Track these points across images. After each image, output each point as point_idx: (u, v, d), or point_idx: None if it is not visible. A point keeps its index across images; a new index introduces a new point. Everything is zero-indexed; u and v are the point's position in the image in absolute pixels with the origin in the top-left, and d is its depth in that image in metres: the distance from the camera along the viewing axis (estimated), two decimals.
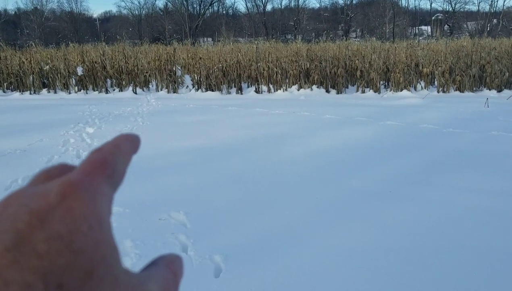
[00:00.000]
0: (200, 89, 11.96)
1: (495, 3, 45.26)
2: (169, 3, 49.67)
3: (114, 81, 12.51)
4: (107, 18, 58.91)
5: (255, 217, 3.20)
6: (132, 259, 2.58)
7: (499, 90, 10.76)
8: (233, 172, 4.30)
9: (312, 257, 2.58)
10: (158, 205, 3.41)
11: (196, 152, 5.17)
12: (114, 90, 12.36)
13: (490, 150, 4.99)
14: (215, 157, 4.92)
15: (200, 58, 12.24)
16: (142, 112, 8.48)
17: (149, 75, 12.50)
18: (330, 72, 11.54)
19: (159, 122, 7.23)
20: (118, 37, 16.44)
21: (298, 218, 3.17)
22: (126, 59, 12.56)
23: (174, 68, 12.18)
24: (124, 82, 12.39)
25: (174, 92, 12.05)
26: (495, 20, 44.18)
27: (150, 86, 12.62)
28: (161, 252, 2.24)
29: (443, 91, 11.00)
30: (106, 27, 49.16)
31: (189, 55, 12.88)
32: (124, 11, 52.31)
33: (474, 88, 10.95)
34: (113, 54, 12.96)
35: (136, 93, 12.01)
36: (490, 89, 10.83)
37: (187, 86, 12.21)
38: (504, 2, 46.11)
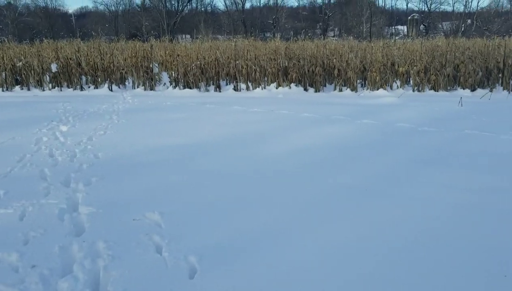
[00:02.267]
0: (177, 87, 11.84)
1: (469, 4, 46.48)
2: (146, 0, 49.07)
3: (89, 78, 12.28)
4: (83, 14, 57.77)
5: (232, 216, 3.17)
6: (105, 260, 2.52)
7: (473, 90, 10.99)
8: (210, 171, 4.26)
9: (290, 257, 2.57)
10: (132, 205, 3.35)
11: (172, 150, 5.11)
12: (89, 87, 12.12)
13: (465, 148, 5.08)
14: (192, 155, 4.87)
15: (178, 55, 12.13)
16: (118, 109, 8.34)
17: (126, 72, 12.30)
18: (308, 70, 11.57)
19: (135, 120, 7.13)
20: (93, 33, 16.16)
21: (277, 217, 3.16)
22: (102, 56, 12.34)
23: (151, 65, 12.03)
24: (99, 79, 12.17)
25: (151, 89, 11.90)
26: (469, 21, 45.13)
27: (127, 83, 12.42)
28: (135, 253, 2.20)
29: (418, 90, 11.17)
30: (82, 23, 48.17)
31: (167, 52, 12.73)
32: (101, 7, 51.41)
33: (449, 88, 11.15)
34: (88, 51, 12.71)
35: (112, 90, 11.82)
36: (464, 89, 11.04)
37: (165, 83, 12.07)
38: (478, 3, 47.22)
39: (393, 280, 2.32)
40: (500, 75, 11.25)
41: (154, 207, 3.29)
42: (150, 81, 11.96)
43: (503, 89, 11.02)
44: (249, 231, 2.92)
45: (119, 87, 12.11)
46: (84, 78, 12.27)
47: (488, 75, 11.26)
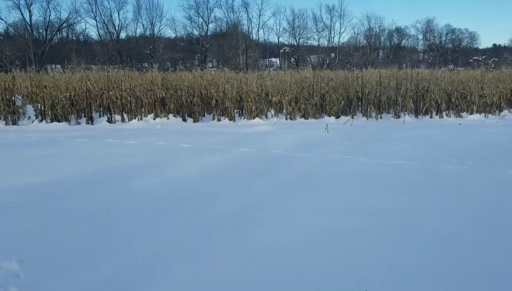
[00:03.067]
0: (44, 120, 10.98)
1: (332, 39, 51.08)
2: (10, 28, 45.24)
3: None
4: None
5: (98, 257, 2.98)
6: None
7: (337, 117, 12.01)
8: (76, 210, 3.98)
9: None
10: None
11: (34, 190, 4.67)
12: None
13: (330, 171, 5.49)
14: (57, 194, 4.51)
15: (45, 86, 11.31)
16: None
17: None
18: (186, 101, 11.62)
19: None
20: None
21: (148, 254, 3.04)
22: None
23: (13, 98, 11.02)
24: None
25: (13, 124, 10.87)
26: (332, 54, 49.73)
27: None
28: None
29: (291, 119, 11.88)
30: None
31: (33, 84, 11.81)
32: None
33: (317, 115, 12.04)
34: None
35: None
36: (329, 116, 12.02)
37: (29, 117, 11.13)
38: (339, 38, 52.32)
39: None
40: (360, 103, 12.50)
41: (11, 254, 2.96)
42: (12, 115, 10.93)
43: (362, 115, 12.25)
44: (116, 272, 2.77)
45: None
46: None
47: (350, 104, 12.44)
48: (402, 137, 8.53)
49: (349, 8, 69.14)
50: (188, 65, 29.73)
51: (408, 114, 12.13)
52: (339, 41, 51.24)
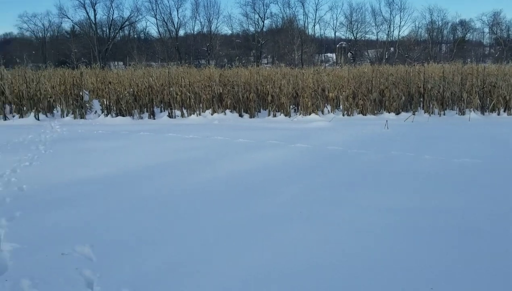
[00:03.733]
0: (110, 115, 11.52)
1: (392, 33, 49.61)
2: (76, 26, 47.78)
3: (14, 107, 11.64)
4: (7, 40, 54.92)
5: (163, 244, 3.10)
6: None
7: (397, 113, 11.69)
8: (141, 200, 4.16)
9: (220, 283, 2.56)
10: (60, 239, 3.18)
11: (103, 180, 4.94)
12: (13, 116, 11.47)
13: (391, 169, 5.36)
14: (123, 185, 4.74)
15: (110, 82, 11.85)
16: (45, 139, 7.95)
17: (54, 100, 11.81)
18: (242, 97, 11.76)
19: (63, 150, 6.82)
20: (18, 60, 15.42)
21: (207, 244, 3.13)
22: (28, 84, 11.77)
23: (81, 93, 11.64)
24: (25, 108, 11.57)
25: (81, 117, 11.49)
26: (392, 49, 48.31)
27: (55, 111, 11.92)
28: (63, 290, 2.09)
29: (348, 115, 11.70)
30: (7, 50, 45.74)
31: (98, 80, 12.41)
32: (27, 33, 49.24)
33: (375, 111, 11.78)
34: (13, 79, 12.08)
35: (38, 119, 11.26)
36: (389, 112, 11.72)
37: (96, 111, 11.72)
38: (399, 32, 50.67)
39: None
40: (421, 99, 12.08)
41: (84, 239, 3.15)
42: (80, 109, 11.55)
43: (424, 112, 11.84)
44: (178, 259, 2.87)
45: (46, 116, 11.58)
46: (8, 107, 11.60)
47: (411, 99, 12.06)
48: (467, 135, 8.16)
49: (409, 0, 66.63)
50: (243, 61, 30.02)
51: (473, 111, 11.57)
52: (399, 35, 49.70)
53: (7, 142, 7.53)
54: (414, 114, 11.42)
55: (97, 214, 3.79)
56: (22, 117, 11.41)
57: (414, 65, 15.22)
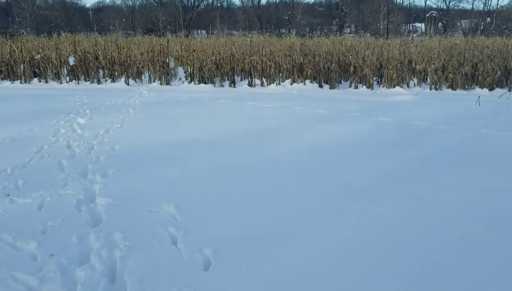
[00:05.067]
0: (193, 82, 11.89)
1: (489, 2, 45.65)
2: None
3: (106, 72, 12.41)
4: (100, 8, 58.27)
5: (245, 209, 3.19)
6: (122, 251, 2.56)
7: (491, 89, 10.82)
8: (224, 165, 4.29)
9: (303, 252, 2.58)
10: (148, 197, 3.39)
11: (187, 143, 5.15)
12: (106, 81, 12.26)
13: (481, 148, 5.02)
14: (206, 149, 4.90)
15: (194, 50, 12.17)
16: (134, 103, 8.42)
17: (142, 67, 12.40)
18: (323, 67, 11.53)
19: (151, 114, 7.19)
20: (111, 27, 16.29)
21: (288, 212, 3.16)
22: (119, 50, 12.44)
23: (167, 60, 12.10)
24: (116, 73, 12.29)
25: (167, 84, 11.97)
26: (488, 19, 44.38)
27: (143, 77, 12.53)
28: (151, 244, 2.23)
29: (436, 89, 11.05)
30: (99, 17, 48.62)
31: (183, 48, 12.79)
32: (118, 2, 51.88)
33: (466, 86, 11.00)
34: (105, 45, 12.83)
35: (128, 84, 11.92)
36: (482, 88, 10.89)
37: (180, 78, 12.14)
38: (498, 1, 46.22)
39: (394, 278, 2.31)
40: None
41: (169, 199, 3.33)
42: (166, 76, 12.03)
43: None
44: (261, 225, 2.93)
45: (135, 81, 12.22)
46: (101, 72, 12.40)
47: (507, 75, 11.09)
48: None
49: None
50: (325, 31, 29.25)
51: None
52: (497, 4, 45.62)
53: (100, 105, 8.07)
54: (510, 91, 10.51)
55: (182, 175, 3.97)
56: (114, 82, 12.14)
57: None
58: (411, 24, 48.24)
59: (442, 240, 2.72)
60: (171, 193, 3.49)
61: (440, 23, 44.58)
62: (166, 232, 2.81)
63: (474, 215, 3.09)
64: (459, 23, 46.12)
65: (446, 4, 47.00)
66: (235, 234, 2.79)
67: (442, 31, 32.92)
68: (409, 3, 49.86)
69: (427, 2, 47.88)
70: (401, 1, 48.20)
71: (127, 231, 2.81)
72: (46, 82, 12.27)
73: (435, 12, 44.33)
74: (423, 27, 44.09)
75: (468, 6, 46.36)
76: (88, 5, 56.32)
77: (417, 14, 49.95)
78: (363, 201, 3.37)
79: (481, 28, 38.54)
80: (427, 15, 42.85)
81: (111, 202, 3.29)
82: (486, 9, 45.20)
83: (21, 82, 12.25)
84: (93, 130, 5.80)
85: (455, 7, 47.40)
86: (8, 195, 3.42)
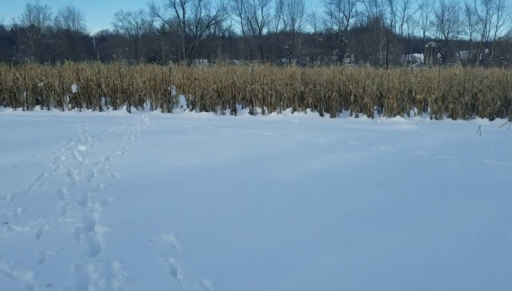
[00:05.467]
0: (194, 110, 11.96)
1: (487, 34, 46.22)
2: (166, 24, 50.19)
3: (109, 99, 12.50)
4: (103, 37, 59.21)
5: (246, 238, 3.14)
6: (120, 281, 2.51)
7: (491, 119, 10.87)
8: (225, 193, 4.26)
9: (306, 282, 2.53)
10: (148, 226, 3.35)
11: (188, 171, 5.13)
12: (108, 108, 12.33)
13: (484, 178, 5.00)
14: (207, 177, 4.88)
15: (196, 78, 12.29)
16: (135, 131, 8.44)
17: (144, 94, 12.49)
18: (324, 96, 11.61)
19: (152, 142, 7.19)
20: (114, 56, 16.51)
21: (291, 241, 3.12)
22: (122, 78, 12.57)
23: (169, 88, 12.20)
24: (118, 101, 12.38)
25: (168, 111, 12.04)
26: (486, 50, 45.04)
27: (145, 105, 12.61)
28: (150, 274, 2.18)
29: (436, 118, 11.09)
30: (103, 46, 49.37)
31: (185, 76, 12.92)
32: (121, 31, 52.64)
33: (467, 116, 11.05)
34: (108, 73, 12.98)
35: (130, 112, 11.99)
36: (482, 118, 10.94)
37: (182, 106, 12.21)
38: (495, 33, 46.88)
39: None
40: None
41: (169, 228, 3.29)
42: (167, 103, 12.11)
43: None
44: (262, 254, 2.89)
45: (137, 109, 12.29)
46: (103, 99, 12.49)
47: (507, 105, 11.15)
48: None
49: None
50: (325, 60, 29.66)
51: None
52: (495, 36, 46.14)
53: (102, 132, 8.09)
54: (510, 121, 10.54)
55: (182, 203, 3.93)
56: (116, 109, 12.22)
57: (511, 67, 14.03)
58: (410, 55, 48.93)
59: (443, 269, 2.66)
60: (171, 222, 3.45)
61: (439, 54, 45.22)
62: (166, 262, 2.76)
63: (476, 244, 3.04)
64: (457, 54, 46.76)
65: (444, 35, 47.79)
66: (235, 264, 2.75)
67: (441, 62, 33.35)
68: (408, 34, 50.51)
69: (426, 33, 48.61)
70: (400, 32, 49.02)
71: (126, 260, 2.76)
72: (48, 109, 12.35)
73: (434, 43, 45.06)
74: (422, 58, 44.72)
75: (466, 37, 46.95)
76: (92, 34, 57.19)
77: (416, 44, 50.73)
78: (365, 230, 3.32)
79: (480, 59, 39.07)
80: (426, 45, 43.56)
81: (110, 230, 3.25)
82: (484, 40, 45.96)
83: (23, 109, 12.33)
84: (94, 158, 5.79)
85: (454, 38, 48.15)
86: (6, 223, 3.38)
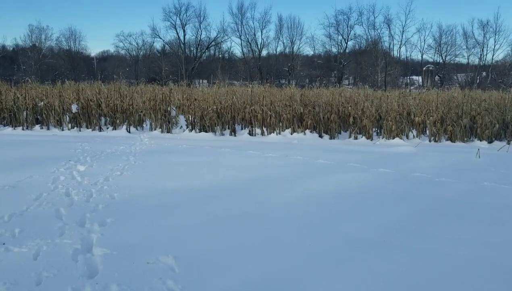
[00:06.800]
0: (194, 130, 11.99)
1: (484, 57, 46.71)
2: (166, 46, 50.67)
3: (108, 119, 12.54)
4: (104, 58, 59.66)
5: (245, 262, 3.11)
6: None
7: (490, 142, 10.90)
8: (224, 215, 4.23)
9: None
10: (146, 248, 3.32)
11: (187, 193, 5.11)
12: (107, 128, 12.36)
13: (483, 201, 4.98)
14: (207, 198, 4.86)
15: (195, 99, 12.36)
16: (135, 151, 8.44)
17: (144, 115, 12.54)
18: (323, 117, 11.66)
19: (151, 162, 7.18)
20: (114, 76, 16.63)
21: (291, 265, 3.09)
22: (122, 98, 12.64)
23: (169, 109, 12.25)
24: (118, 121, 12.41)
25: (168, 132, 12.07)
26: (484, 73, 45.45)
27: (144, 125, 12.65)
28: None
29: (435, 141, 11.13)
30: (103, 66, 49.72)
31: (184, 96, 13.00)
32: (122, 52, 53.08)
33: (465, 139, 11.09)
34: (108, 93, 13.05)
35: (129, 132, 12.01)
36: (481, 140, 10.98)
37: (181, 126, 12.25)
38: (493, 56, 47.35)
39: None
40: None
41: (168, 250, 3.26)
42: (167, 124, 12.15)
43: None
44: (261, 278, 2.85)
45: (136, 129, 12.32)
46: (103, 119, 12.53)
47: (505, 128, 11.21)
48: None
49: (506, 23, 62.04)
50: (324, 82, 29.91)
51: None
52: (492, 59, 46.56)
53: (101, 152, 8.08)
54: (509, 143, 10.59)
55: (181, 225, 3.91)
56: (115, 129, 12.24)
57: (509, 91, 14.15)
58: (408, 77, 49.30)
59: None
60: (169, 244, 3.42)
61: (437, 77, 45.63)
62: (164, 285, 2.73)
63: (476, 268, 3.02)
64: (455, 77, 47.16)
65: (442, 58, 48.27)
66: (234, 288, 2.71)
67: (439, 85, 33.62)
68: (406, 57, 51.03)
69: (424, 56, 49.07)
70: (398, 55, 49.51)
71: (124, 283, 2.73)
72: (48, 129, 12.37)
73: (432, 65, 45.50)
74: (420, 80, 45.08)
75: (464, 60, 47.42)
76: (93, 55, 57.62)
77: (414, 67, 51.15)
78: (364, 253, 3.30)
79: (477, 82, 39.41)
80: (424, 68, 43.96)
81: (108, 252, 3.21)
82: (482, 64, 46.41)
83: (23, 129, 12.35)
84: (92, 178, 5.77)
85: (451, 61, 48.61)
86: (3, 243, 3.35)
